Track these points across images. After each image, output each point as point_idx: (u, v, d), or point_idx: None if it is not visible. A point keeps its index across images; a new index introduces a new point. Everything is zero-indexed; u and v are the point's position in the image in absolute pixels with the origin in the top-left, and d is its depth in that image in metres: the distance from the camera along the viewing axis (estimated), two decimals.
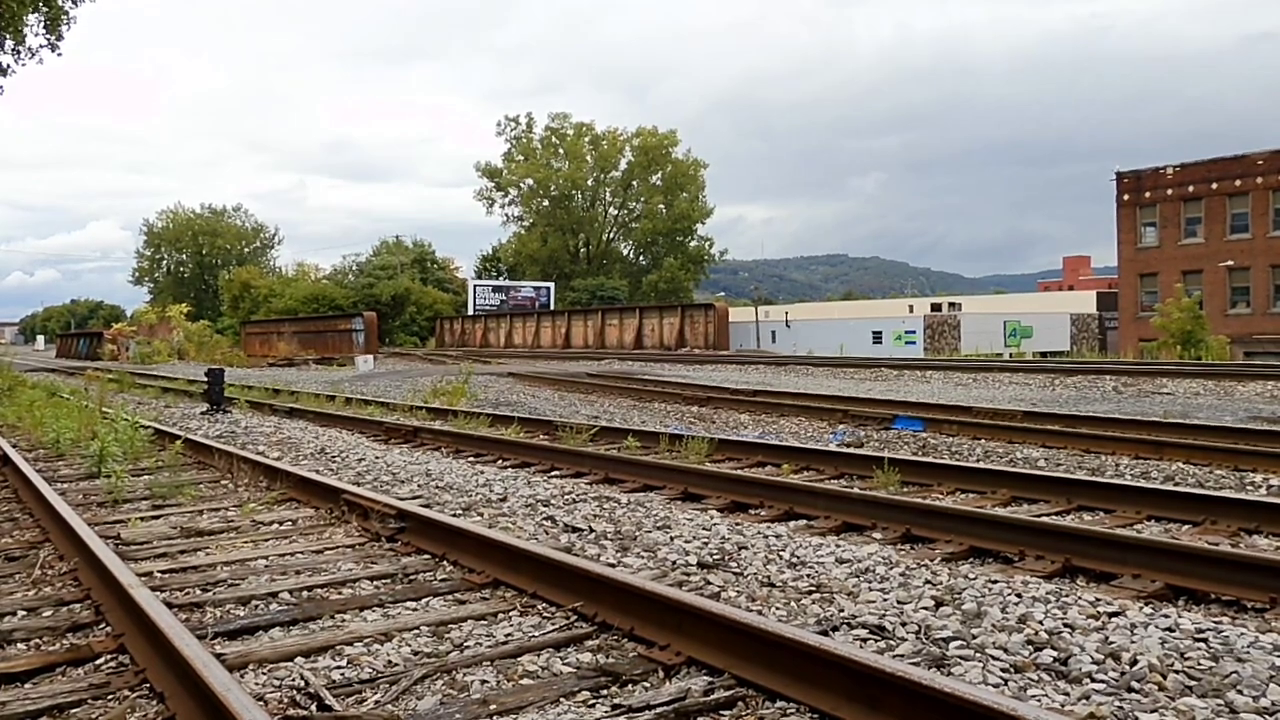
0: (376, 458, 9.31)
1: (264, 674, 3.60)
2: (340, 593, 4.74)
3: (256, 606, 4.53)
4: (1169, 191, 45.62)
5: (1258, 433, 9.60)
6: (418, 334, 63.32)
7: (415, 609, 4.44)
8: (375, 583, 4.90)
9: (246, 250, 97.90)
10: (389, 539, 5.72)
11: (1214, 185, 43.91)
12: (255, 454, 9.23)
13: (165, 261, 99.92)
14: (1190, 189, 44.77)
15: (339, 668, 3.64)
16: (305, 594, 4.71)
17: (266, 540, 6.00)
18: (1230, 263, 42.95)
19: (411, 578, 4.98)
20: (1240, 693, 3.04)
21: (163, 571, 5.20)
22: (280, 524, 6.50)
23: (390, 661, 3.70)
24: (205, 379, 15.41)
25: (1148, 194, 46.45)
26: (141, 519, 6.69)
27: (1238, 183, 43.13)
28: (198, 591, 4.81)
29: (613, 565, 4.89)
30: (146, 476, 8.50)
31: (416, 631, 4.06)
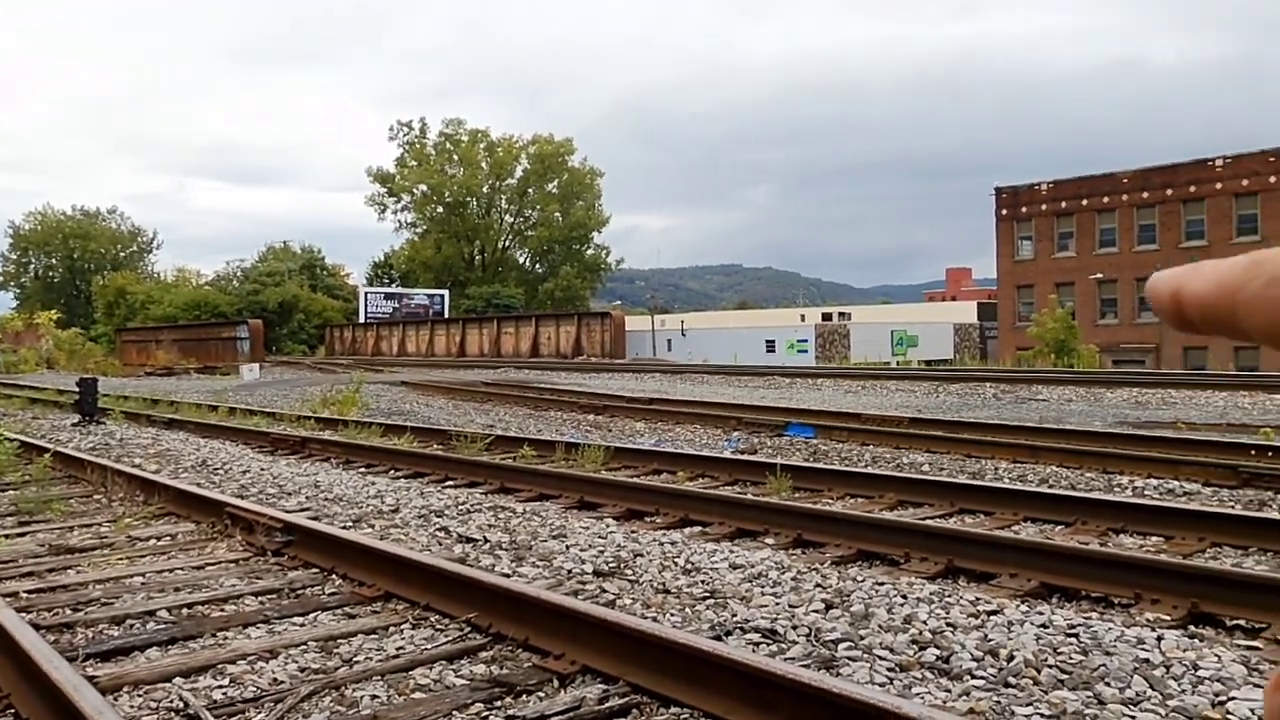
0: (262, 469, 9.04)
1: (140, 696, 3.45)
2: (223, 609, 4.58)
3: (132, 626, 4.34)
4: (1043, 207, 47.74)
5: (1124, 437, 10.11)
6: (306, 342, 61.67)
7: (302, 624, 4.32)
8: (260, 598, 4.75)
9: (122, 255, 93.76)
10: (275, 553, 5.56)
11: (1084, 201, 46.14)
12: (131, 467, 8.84)
13: (33, 266, 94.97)
14: (1062, 205, 46.93)
15: (221, 687, 3.52)
16: (185, 612, 4.53)
17: (143, 557, 5.75)
18: (1099, 275, 45.16)
19: (299, 592, 4.84)
20: (1108, 684, 3.19)
21: (29, 591, 4.94)
22: (158, 539, 6.24)
23: (276, 679, 3.59)
24: (77, 389, 14.71)
25: (1024, 209, 48.51)
26: (6, 537, 6.35)
27: (1105, 199, 45.41)
28: (68, 611, 4.58)
29: (508, 575, 4.85)
30: (11, 491, 8.07)
31: (304, 647, 3.95)
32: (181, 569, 5.39)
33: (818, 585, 4.53)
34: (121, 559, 5.69)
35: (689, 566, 4.99)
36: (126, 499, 7.67)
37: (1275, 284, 0.34)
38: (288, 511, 6.40)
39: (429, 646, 3.92)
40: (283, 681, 3.57)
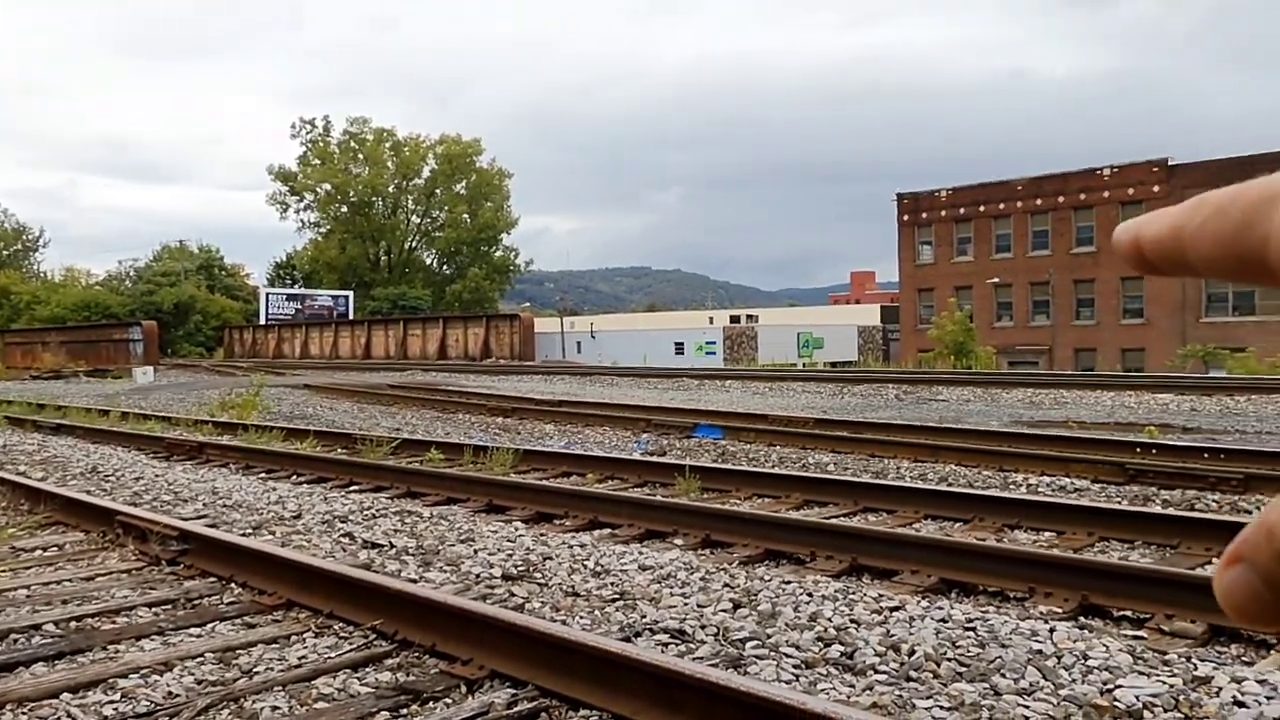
0: (156, 476, 8.73)
1: (25, 714, 3.30)
2: (114, 621, 4.41)
3: (16, 641, 4.14)
4: (942, 213, 49.16)
5: (1019, 436, 10.47)
6: (204, 344, 59.85)
7: (199, 635, 4.18)
8: (154, 609, 4.59)
9: (5, 253, 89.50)
10: (170, 562, 5.37)
11: (981, 208, 47.67)
12: (15, 475, 8.44)
13: None
14: (961, 211, 48.40)
15: (112, 703, 3.38)
16: (73, 625, 4.34)
17: (28, 568, 5.50)
18: (995, 279, 46.69)
19: (195, 602, 4.69)
20: (1003, 676, 3.30)
21: None
22: (45, 550, 5.97)
23: (171, 693, 3.47)
24: None
25: (924, 215, 49.88)
26: None
27: (1001, 206, 46.99)
28: None
29: (414, 581, 4.78)
30: None
31: (201, 659, 3.82)
32: (69, 580, 5.16)
33: (726, 585, 4.57)
34: (4, 571, 5.42)
35: (598, 569, 4.98)
36: (10, 508, 7.31)
37: (1215, 217, 0.37)
38: (184, 519, 6.19)
39: (332, 655, 3.83)
40: (178, 695, 3.45)
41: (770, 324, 55.06)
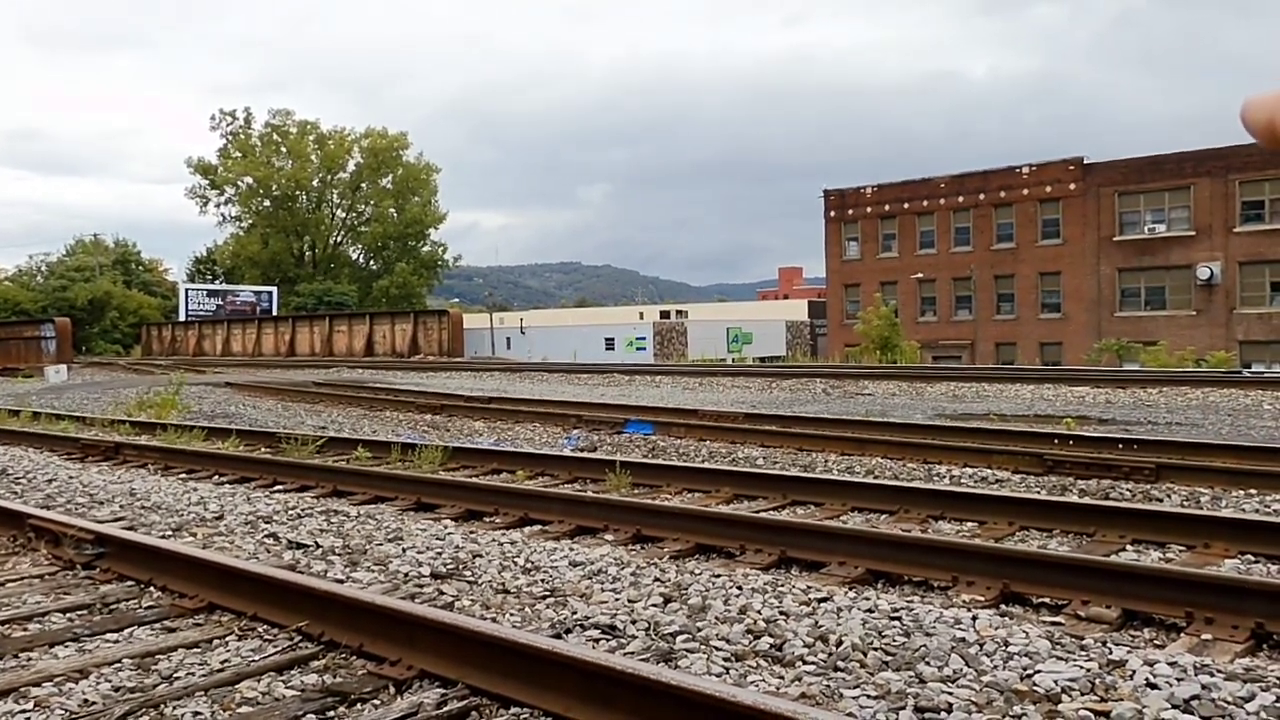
0: (70, 478, 8.45)
1: None
2: (25, 629, 4.25)
3: None
4: (868, 209, 49.96)
5: (942, 429, 10.70)
6: (121, 341, 58.21)
7: (117, 641, 4.06)
8: (68, 615, 4.44)
9: None
10: (85, 566, 5.20)
11: (905, 205, 48.56)
12: None
13: None
14: (886, 207, 49.25)
15: (24, 712, 3.27)
16: None
17: None
18: (919, 275, 47.62)
19: (112, 607, 4.55)
20: (928, 664, 3.37)
21: None
22: None
23: (86, 701, 3.36)
24: None
25: (850, 211, 50.64)
26: None
27: (925, 203, 47.93)
28: None
29: (341, 581, 4.70)
30: None
31: (118, 665, 3.71)
32: None
33: (656, 580, 4.59)
34: None
35: (529, 565, 4.96)
36: None
37: None
38: (100, 521, 6.00)
39: (256, 658, 3.75)
40: (95, 703, 3.34)
41: (700, 319, 55.44)
